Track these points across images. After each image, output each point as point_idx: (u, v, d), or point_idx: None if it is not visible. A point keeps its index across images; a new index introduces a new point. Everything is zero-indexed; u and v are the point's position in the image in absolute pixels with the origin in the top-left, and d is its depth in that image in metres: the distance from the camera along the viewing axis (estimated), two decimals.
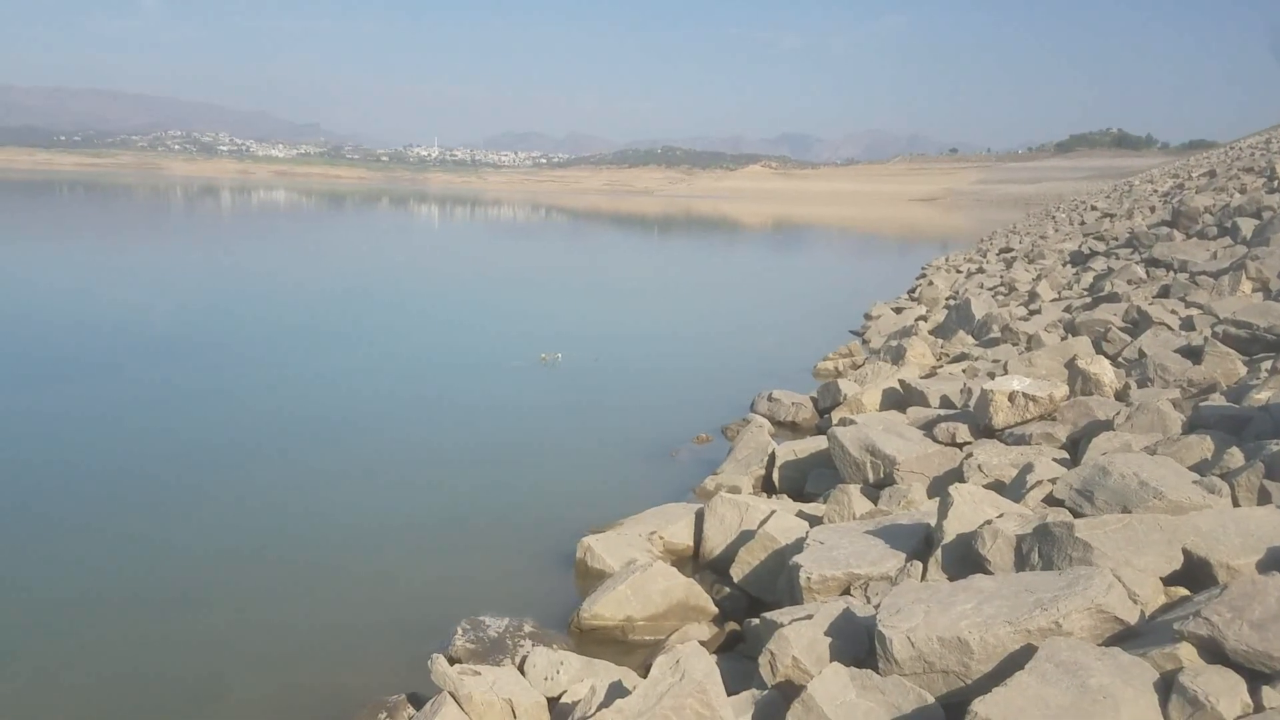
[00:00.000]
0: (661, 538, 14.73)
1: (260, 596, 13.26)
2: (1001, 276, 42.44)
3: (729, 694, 8.99)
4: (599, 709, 8.10)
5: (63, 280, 47.68)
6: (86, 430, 20.73)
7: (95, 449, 19.54)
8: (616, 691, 8.50)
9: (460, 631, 11.41)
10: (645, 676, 8.19)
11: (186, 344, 30.86)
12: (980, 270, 50.56)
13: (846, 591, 10.78)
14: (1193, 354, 17.30)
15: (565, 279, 63.07)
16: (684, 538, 14.83)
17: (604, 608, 12.21)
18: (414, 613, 12.78)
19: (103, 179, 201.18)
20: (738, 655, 10.92)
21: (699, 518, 14.86)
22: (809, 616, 9.43)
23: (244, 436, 20.80)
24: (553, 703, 9.66)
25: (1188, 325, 20.49)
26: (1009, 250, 59.17)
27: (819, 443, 17.40)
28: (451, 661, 10.71)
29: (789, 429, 22.70)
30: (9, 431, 20.30)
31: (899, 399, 20.74)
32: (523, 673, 10.06)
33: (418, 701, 9.75)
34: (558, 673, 10.05)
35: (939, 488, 11.45)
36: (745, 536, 13.51)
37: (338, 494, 17.42)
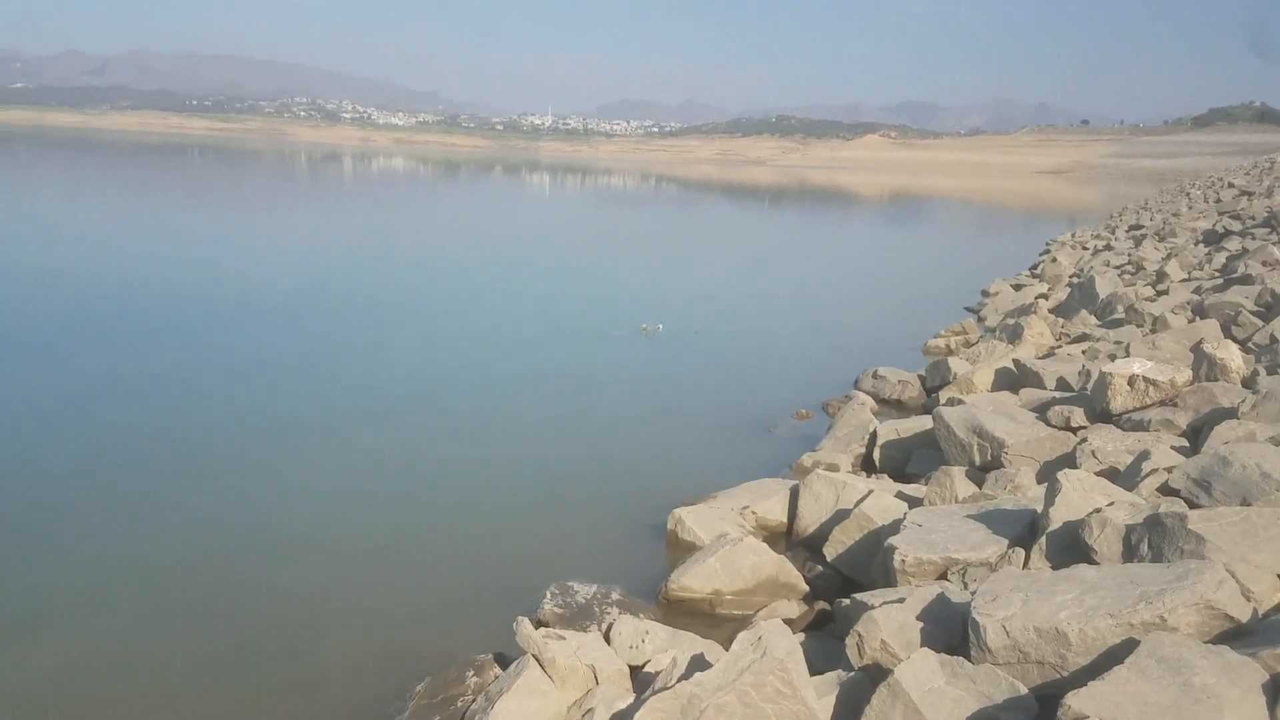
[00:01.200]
0: (754, 513, 14.56)
1: (359, 555, 13.62)
2: (1129, 255, 40.58)
3: (814, 673, 8.83)
4: (678, 680, 8.03)
5: (190, 242, 49.79)
6: (204, 388, 21.58)
7: (210, 406, 20.32)
8: (698, 664, 8.41)
9: (549, 596, 11.49)
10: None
11: (300, 307, 31.86)
12: (1108, 247, 48.50)
13: (943, 576, 10.47)
14: None
15: (671, 250, 62.93)
16: (777, 514, 14.63)
17: (692, 580, 12.14)
18: (506, 575, 12.95)
19: (231, 144, 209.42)
20: (826, 635, 10.72)
21: (793, 494, 14.62)
22: (901, 600, 9.19)
23: (350, 399, 21.36)
24: (635, 671, 9.65)
25: None
26: (1139, 227, 56.57)
27: (924, 422, 16.93)
28: (540, 625, 10.81)
29: (893, 407, 22.17)
30: (131, 389, 21.27)
31: (1012, 379, 20.02)
32: (608, 640, 10.06)
33: (504, 662, 9.86)
34: (643, 642, 10.02)
35: (1048, 473, 10.99)
36: (840, 515, 13.24)
37: (438, 458, 17.74)
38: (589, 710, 8.47)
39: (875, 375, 23.50)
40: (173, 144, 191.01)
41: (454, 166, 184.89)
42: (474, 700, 9.14)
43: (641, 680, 9.28)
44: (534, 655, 8.97)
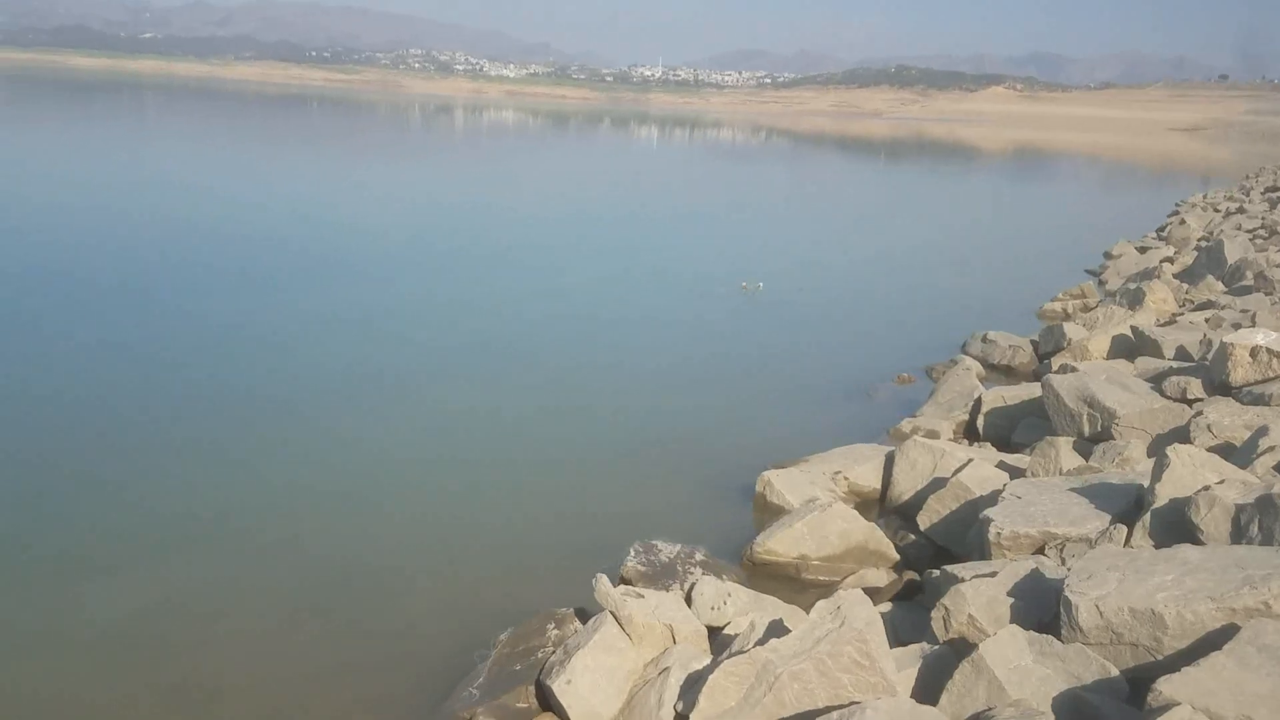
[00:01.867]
0: (846, 478, 14.30)
1: (449, 505, 13.90)
2: (1263, 218, 38.32)
3: (899, 645, 8.65)
4: (755, 645, 7.95)
5: (313, 194, 51.19)
6: (317, 337, 22.22)
7: (317, 355, 20.90)
8: (776, 630, 8.30)
9: (633, 553, 11.51)
10: None
11: (405, 259, 32.50)
12: (1240, 210, 45.87)
13: (1040, 551, 10.11)
14: None
15: (777, 205, 61.98)
16: (870, 480, 14.34)
17: (778, 544, 12.01)
18: (591, 531, 13.05)
19: (348, 95, 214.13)
20: (915, 606, 10.47)
21: (889, 460, 14.31)
22: (993, 574, 8.91)
23: (448, 350, 21.71)
24: (715, 633, 9.60)
25: None
26: (1276, 189, 53.27)
27: (1032, 390, 16.34)
28: (624, 582, 10.86)
29: (1002, 373, 21.46)
30: (245, 336, 22.04)
31: (1129, 347, 19.14)
32: (689, 600, 10.02)
33: (585, 616, 9.93)
34: (724, 604, 9.95)
35: (1161, 447, 10.45)
36: (937, 484, 12.91)
37: (529, 411, 17.91)
38: (664, 669, 8.46)
39: (985, 339, 22.77)
40: (292, 95, 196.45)
41: (562, 119, 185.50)
42: (553, 652, 9.23)
43: (720, 642, 9.23)
44: (611, 612, 9.00)
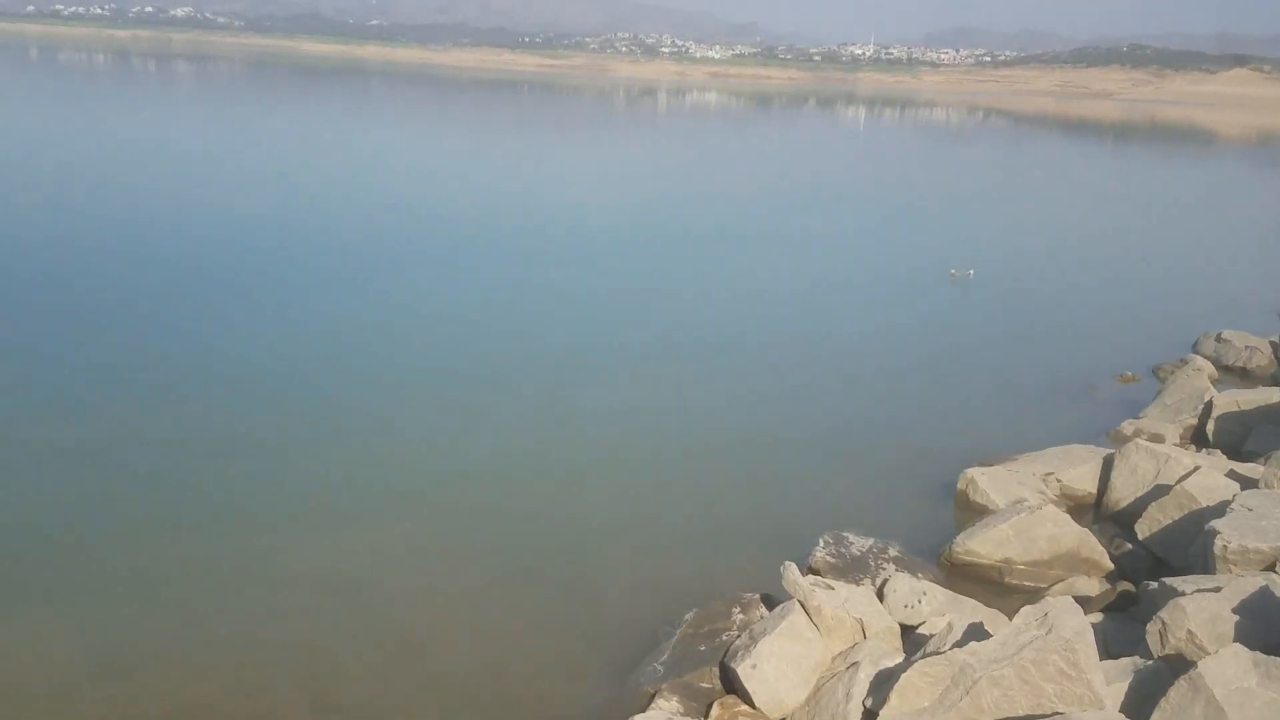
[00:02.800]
0: (1058, 480, 13.55)
1: (642, 485, 14.11)
2: None
3: (1109, 657, 8.17)
4: (952, 646, 7.66)
5: (518, 173, 53.00)
6: (518, 312, 23.00)
7: (524, 332, 21.62)
8: (976, 633, 7.97)
9: (822, 544, 11.32)
10: None
11: (595, 243, 33.10)
12: None
13: (1271, 568, 9.28)
14: None
15: (989, 189, 59.17)
16: (1085, 484, 13.53)
17: (980, 545, 11.51)
18: (781, 518, 12.92)
19: (556, 79, 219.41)
20: (1127, 618, 9.82)
21: (1106, 464, 13.46)
22: (1217, 589, 8.27)
23: (650, 332, 21.97)
24: (907, 631, 9.31)
25: None
26: None
27: (1271, 395, 15.01)
28: (811, 572, 10.70)
29: (1236, 375, 19.78)
30: (465, 311, 23.07)
31: None
32: (881, 596, 9.77)
33: (771, 603, 9.86)
34: (919, 602, 9.64)
35: None
36: (1159, 491, 12.05)
37: (726, 392, 17.91)
38: (853, 663, 8.27)
39: (1218, 339, 21.03)
40: (504, 80, 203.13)
41: (766, 100, 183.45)
42: (738, 636, 9.20)
43: (913, 641, 8.95)
44: (800, 601, 8.87)
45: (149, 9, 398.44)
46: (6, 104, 74.08)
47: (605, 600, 10.97)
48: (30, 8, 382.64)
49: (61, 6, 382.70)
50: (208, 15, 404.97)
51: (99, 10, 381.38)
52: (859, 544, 11.35)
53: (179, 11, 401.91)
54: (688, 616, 9.98)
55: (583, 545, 12.16)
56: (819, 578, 9.39)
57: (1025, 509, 11.73)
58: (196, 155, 48.51)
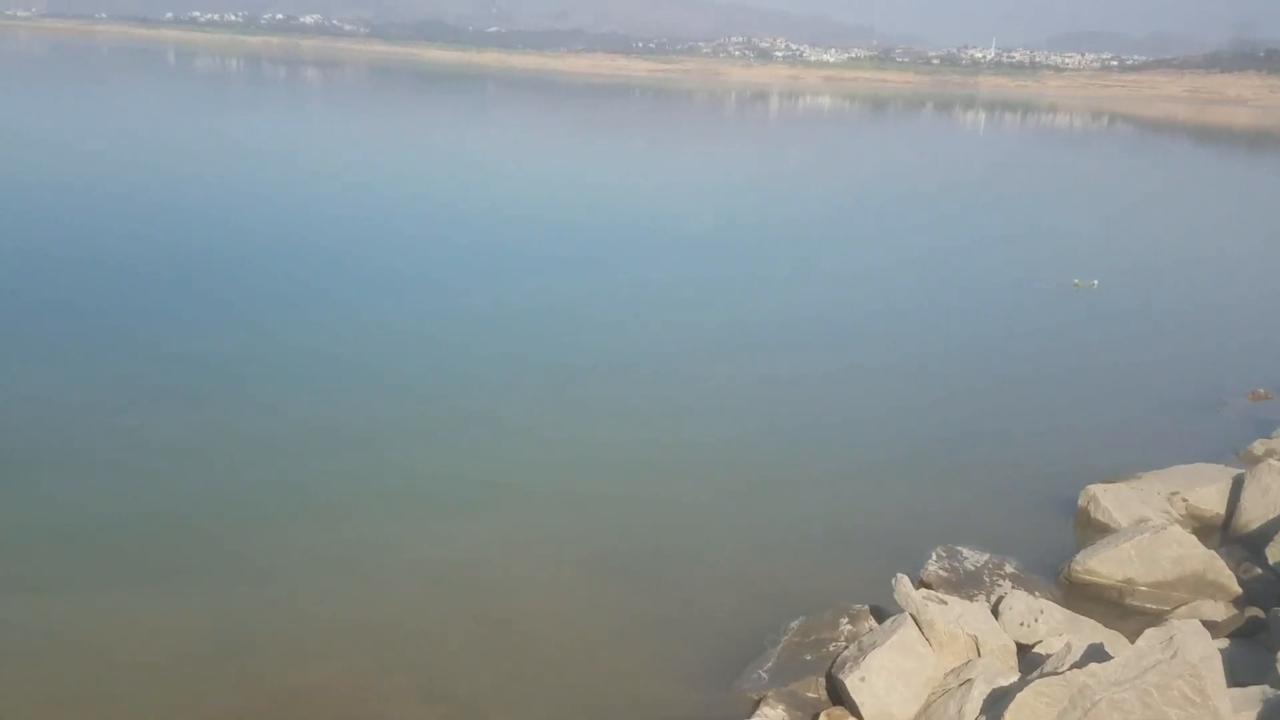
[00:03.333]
0: (1184, 500, 13.02)
1: (749, 488, 14.05)
2: None
3: (1237, 685, 7.83)
4: (1071, 667, 7.46)
5: (616, 177, 53.40)
6: (619, 312, 23.19)
7: (624, 334, 21.81)
8: (1096, 654, 7.74)
9: (935, 557, 11.12)
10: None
11: (700, 242, 33.08)
12: None
13: None
14: None
15: (1113, 197, 56.98)
16: (1213, 504, 12.96)
17: (1101, 564, 11.15)
18: (890, 528, 12.72)
19: (668, 84, 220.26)
20: (1255, 645, 9.39)
21: (1236, 484, 12.87)
22: None
23: (757, 332, 21.89)
24: (1023, 650, 9.08)
25: None
26: None
27: None
28: (923, 585, 10.52)
29: None
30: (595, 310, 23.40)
31: None
32: (996, 613, 9.55)
33: (880, 615, 9.73)
34: (1035, 621, 9.40)
35: None
36: None
37: (835, 398, 17.76)
38: (967, 680, 8.11)
39: None
40: (615, 85, 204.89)
41: (881, 103, 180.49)
42: (846, 647, 9.11)
43: (1029, 660, 8.73)
44: (912, 615, 8.74)
45: (279, 16, 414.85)
46: (147, 106, 78.10)
47: (707, 602, 10.98)
48: (169, 14, 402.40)
49: (198, 13, 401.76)
50: (335, 22, 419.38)
51: (232, 17, 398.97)
52: (973, 558, 11.11)
53: (308, 19, 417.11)
54: (793, 624, 9.93)
55: (686, 545, 12.20)
56: (931, 592, 9.24)
57: (1149, 528, 11.32)
58: (325, 157, 50.35)
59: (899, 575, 9.09)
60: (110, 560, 11.21)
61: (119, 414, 15.08)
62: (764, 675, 9.27)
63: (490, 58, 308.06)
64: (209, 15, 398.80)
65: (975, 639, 8.62)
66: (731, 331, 21.78)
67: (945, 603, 8.89)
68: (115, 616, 10.19)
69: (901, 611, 8.89)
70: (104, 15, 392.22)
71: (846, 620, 9.66)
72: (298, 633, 10.17)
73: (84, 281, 22.72)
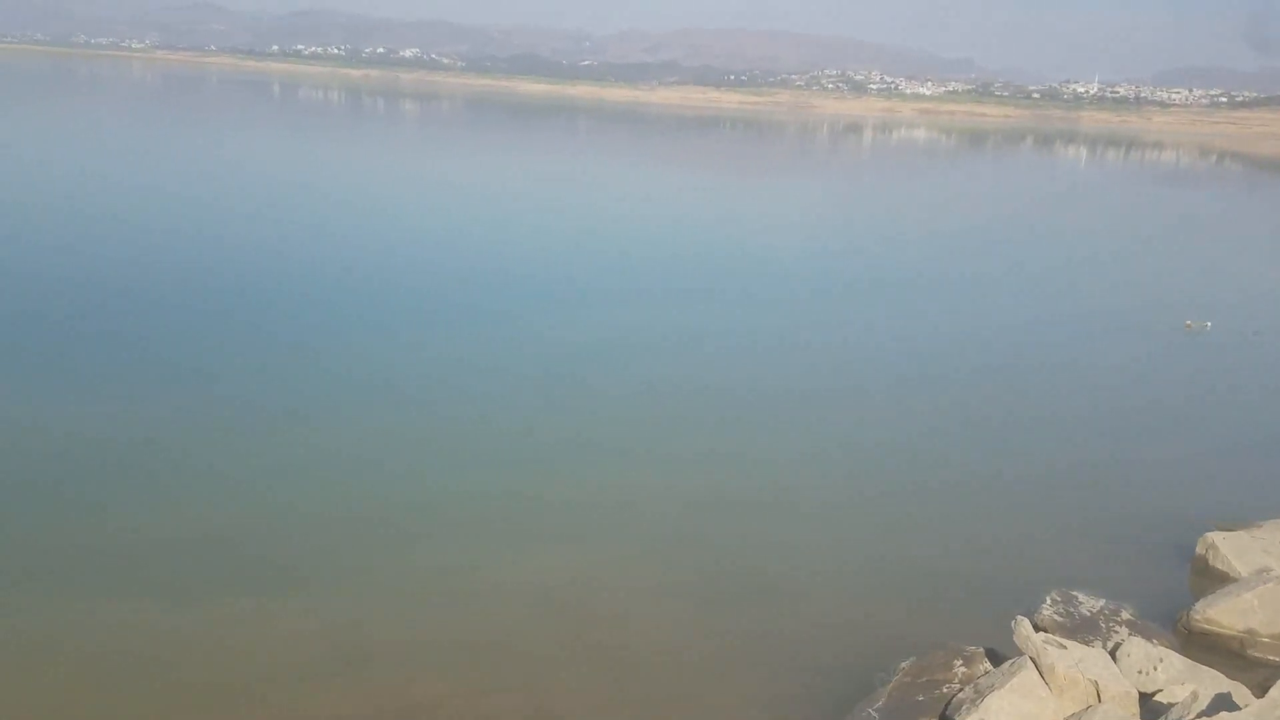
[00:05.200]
0: None
1: (858, 523, 14.06)
2: None
3: None
4: (1198, 716, 7.30)
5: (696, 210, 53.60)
6: (706, 352, 23.32)
7: (750, 362, 21.89)
8: (1223, 704, 7.57)
9: (1049, 602, 10.94)
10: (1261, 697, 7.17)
11: (817, 276, 33.01)
12: None
13: None
14: None
15: (1223, 236, 55.06)
16: None
17: (1221, 614, 10.83)
18: (1002, 570, 12.54)
19: (759, 116, 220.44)
20: None
21: None
22: None
23: (862, 372, 21.80)
24: (1144, 698, 8.87)
25: None
26: None
27: None
28: (1037, 629, 10.35)
29: None
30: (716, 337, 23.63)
31: None
32: (1114, 658, 9.36)
33: (994, 658, 9.61)
34: (1155, 669, 9.18)
35: None
36: None
37: (944, 439, 17.53)
38: None
39: None
40: (707, 117, 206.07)
41: (979, 137, 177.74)
42: (960, 689, 9.03)
43: (1150, 708, 8.53)
44: (1032, 658, 8.63)
45: (380, 50, 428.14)
46: (258, 134, 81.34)
47: (814, 638, 10.97)
48: (275, 47, 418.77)
49: (302, 47, 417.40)
50: (433, 56, 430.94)
51: (335, 50, 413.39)
52: (1089, 604, 10.90)
53: (407, 52, 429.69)
54: (904, 664, 9.86)
55: (791, 581, 12.21)
56: (1050, 636, 9.11)
57: (1272, 578, 10.98)
58: (426, 185, 51.80)
59: (1019, 618, 9.00)
60: (248, 569, 11.75)
61: (261, 435, 15.76)
62: (874, 714, 9.23)
63: (582, 90, 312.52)
64: (313, 48, 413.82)
65: (1095, 684, 8.47)
66: (839, 368, 21.75)
67: (1064, 647, 8.76)
68: (249, 621, 10.68)
69: (1018, 654, 8.79)
70: (214, 48, 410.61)
71: (960, 662, 9.56)
72: (411, 647, 10.49)
73: (235, 297, 24.10)
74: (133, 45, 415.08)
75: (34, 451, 14.47)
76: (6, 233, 30.39)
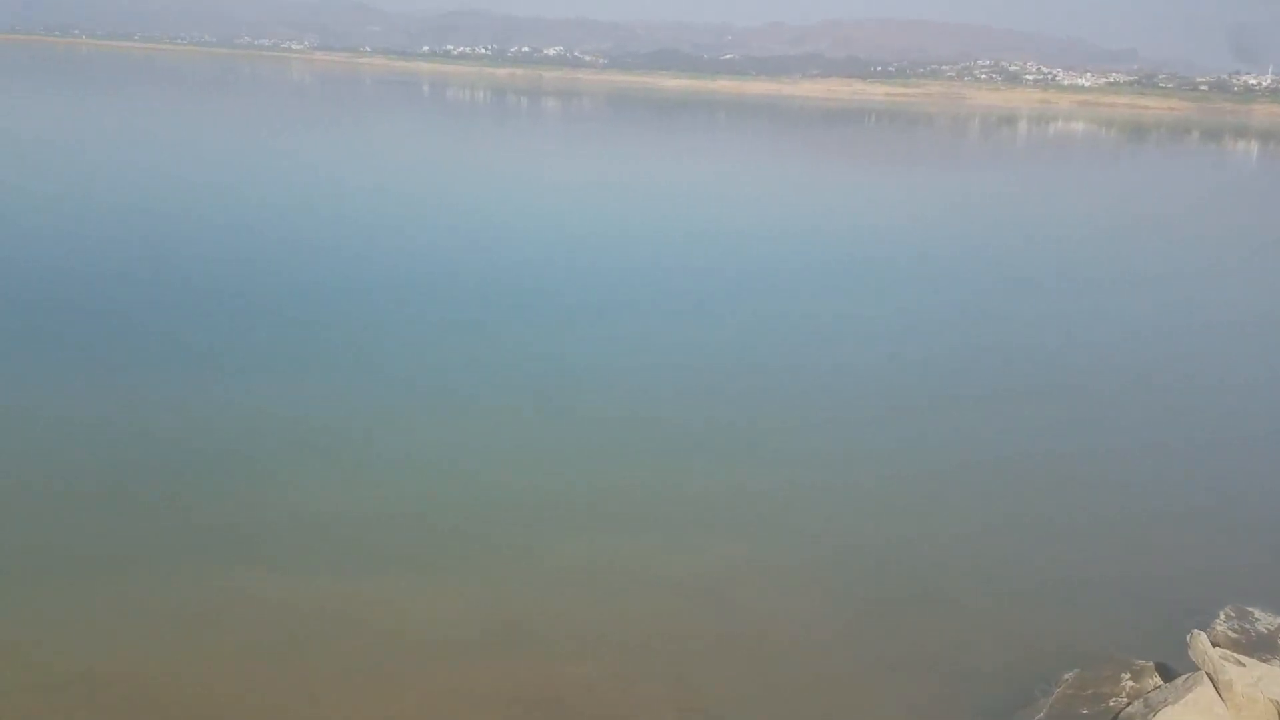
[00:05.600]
0: None
1: (1009, 531, 13.58)
2: None
3: None
4: None
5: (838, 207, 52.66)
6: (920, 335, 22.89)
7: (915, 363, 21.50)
8: None
9: (1223, 617, 10.31)
10: None
11: (962, 272, 32.07)
12: None
13: None
14: None
15: None
16: None
17: None
18: (1170, 581, 11.95)
19: (906, 108, 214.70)
20: None
21: None
22: None
23: (1017, 367, 21.14)
24: None
25: None
26: None
27: None
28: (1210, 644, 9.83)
29: None
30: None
31: None
32: None
33: (1165, 673, 9.16)
34: None
35: None
36: None
37: (1108, 438, 16.86)
38: None
39: None
40: (851, 109, 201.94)
41: (1141, 130, 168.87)
42: (1128, 704, 8.64)
43: None
44: (1209, 674, 8.19)
45: (525, 49, 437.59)
46: (413, 130, 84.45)
47: (968, 645, 10.68)
48: (425, 47, 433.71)
49: (451, 47, 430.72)
50: (576, 54, 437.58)
51: (482, 50, 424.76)
52: (1266, 620, 10.23)
53: (551, 50, 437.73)
54: (1067, 676, 9.50)
55: (945, 586, 11.92)
56: (1226, 652, 8.62)
57: None
58: (575, 185, 52.75)
59: (1195, 632, 8.56)
60: (406, 549, 12.18)
61: (425, 420, 16.35)
62: None
63: (723, 85, 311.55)
64: (461, 48, 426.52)
65: (1276, 705, 7.98)
66: (988, 371, 21.06)
67: (1242, 663, 8.28)
68: (404, 600, 11.08)
69: (1192, 670, 8.35)
70: (368, 49, 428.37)
71: (1128, 676, 9.15)
72: (560, 633, 10.65)
73: (400, 285, 25.31)
74: (292, 46, 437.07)
75: (221, 431, 15.32)
76: (213, 226, 32.36)
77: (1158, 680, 9.01)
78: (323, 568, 11.54)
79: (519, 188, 48.82)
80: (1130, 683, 9.05)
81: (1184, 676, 8.50)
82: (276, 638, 10.25)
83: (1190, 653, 8.37)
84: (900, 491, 14.56)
